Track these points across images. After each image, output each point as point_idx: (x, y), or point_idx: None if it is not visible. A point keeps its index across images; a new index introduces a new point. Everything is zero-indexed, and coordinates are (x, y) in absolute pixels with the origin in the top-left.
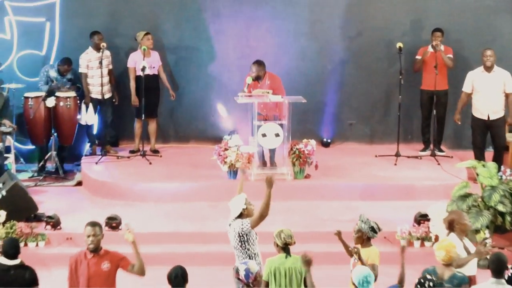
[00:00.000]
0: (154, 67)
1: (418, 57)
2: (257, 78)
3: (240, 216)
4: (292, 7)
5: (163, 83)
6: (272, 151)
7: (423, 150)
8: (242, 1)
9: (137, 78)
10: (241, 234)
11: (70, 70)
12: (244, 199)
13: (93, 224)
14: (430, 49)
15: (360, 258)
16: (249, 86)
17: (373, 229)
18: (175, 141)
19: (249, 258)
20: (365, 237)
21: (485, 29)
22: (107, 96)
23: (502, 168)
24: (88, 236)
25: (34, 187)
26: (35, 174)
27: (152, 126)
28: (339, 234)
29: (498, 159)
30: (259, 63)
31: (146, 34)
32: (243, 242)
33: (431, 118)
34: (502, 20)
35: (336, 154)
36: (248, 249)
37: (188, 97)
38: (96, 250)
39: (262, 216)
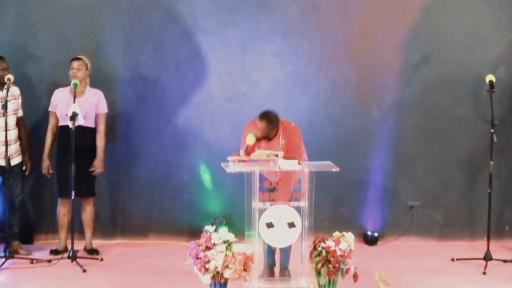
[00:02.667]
0: (85, 117)
1: None
2: (265, 138)
3: None
4: (314, 16)
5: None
6: (284, 252)
7: None
8: (235, 6)
9: (63, 130)
10: None
11: None
12: None
13: None
14: None
15: None
16: (250, 148)
17: None
18: (124, 235)
19: None
20: None
21: None
22: (15, 161)
23: None
24: None
25: None
26: None
27: (88, 212)
28: None
29: None
30: (269, 119)
31: (73, 59)
32: None
33: None
34: None
35: (388, 256)
36: None
37: (145, 162)
38: None
39: None
